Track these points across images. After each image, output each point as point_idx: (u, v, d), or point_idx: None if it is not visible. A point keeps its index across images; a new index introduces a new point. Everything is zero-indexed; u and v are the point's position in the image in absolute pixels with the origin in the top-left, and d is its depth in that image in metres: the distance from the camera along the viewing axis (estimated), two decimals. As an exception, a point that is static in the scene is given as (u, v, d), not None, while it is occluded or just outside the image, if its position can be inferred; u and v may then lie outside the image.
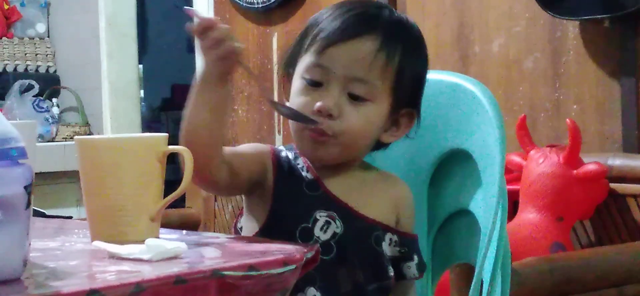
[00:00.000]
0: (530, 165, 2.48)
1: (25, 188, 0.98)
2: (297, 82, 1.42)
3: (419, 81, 1.46)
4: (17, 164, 0.98)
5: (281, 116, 3.43)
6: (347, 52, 1.39)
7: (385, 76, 1.40)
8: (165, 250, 1.09)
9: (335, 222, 1.40)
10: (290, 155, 1.44)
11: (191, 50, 4.33)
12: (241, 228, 1.45)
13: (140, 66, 5.13)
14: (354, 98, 1.39)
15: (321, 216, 1.39)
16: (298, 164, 1.43)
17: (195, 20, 1.29)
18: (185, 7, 1.31)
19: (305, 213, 1.39)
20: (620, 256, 2.24)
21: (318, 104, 1.38)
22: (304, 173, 1.43)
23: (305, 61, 1.42)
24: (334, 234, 1.39)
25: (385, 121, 1.44)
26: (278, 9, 3.69)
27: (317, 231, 1.39)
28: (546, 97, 2.80)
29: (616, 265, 2.19)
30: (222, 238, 1.32)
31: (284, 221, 1.39)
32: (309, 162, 1.43)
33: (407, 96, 1.44)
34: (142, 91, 5.49)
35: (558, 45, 2.77)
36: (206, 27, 1.28)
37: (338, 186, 1.43)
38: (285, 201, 1.40)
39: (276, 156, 1.44)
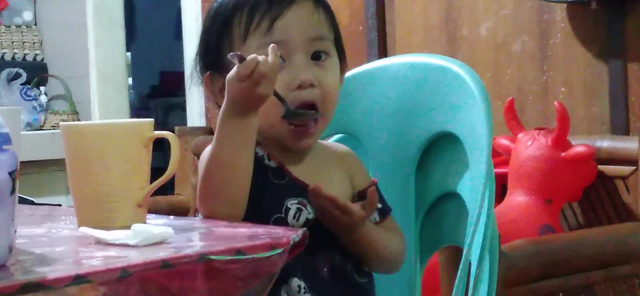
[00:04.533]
0: (519, 148, 2.49)
1: (10, 173, 0.97)
2: None
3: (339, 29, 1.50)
4: (2, 150, 0.97)
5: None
6: (295, 18, 1.40)
7: (330, 28, 1.44)
8: (152, 235, 1.09)
9: (306, 208, 1.38)
10: None
11: (179, 37, 4.32)
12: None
13: (128, 54, 5.11)
14: (317, 57, 1.41)
15: (292, 205, 1.38)
16: (257, 153, 1.39)
17: (238, 64, 1.27)
18: (229, 54, 1.29)
19: (277, 204, 1.38)
20: (609, 238, 2.25)
21: (299, 79, 1.39)
22: (266, 162, 1.41)
23: (252, 46, 1.40)
24: (307, 221, 1.38)
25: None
26: None
27: (290, 220, 1.37)
28: (534, 80, 2.80)
29: (604, 246, 2.20)
30: (209, 222, 1.32)
31: (256, 214, 1.34)
32: (267, 149, 1.42)
33: (341, 43, 1.48)
34: (130, 79, 5.48)
35: (546, 28, 2.77)
36: (252, 66, 1.26)
37: (302, 170, 1.43)
38: (254, 195, 1.35)
39: None
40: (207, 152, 1.36)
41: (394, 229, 1.49)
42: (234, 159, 1.30)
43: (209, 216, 1.33)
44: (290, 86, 1.39)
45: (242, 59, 1.26)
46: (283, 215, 1.38)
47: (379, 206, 1.46)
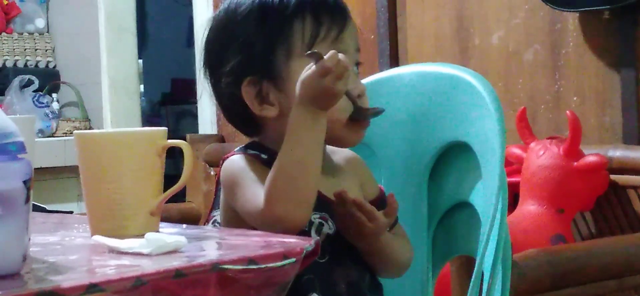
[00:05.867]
0: (531, 157, 2.48)
1: (25, 182, 0.98)
2: None
3: None
4: (16, 158, 0.98)
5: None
6: (352, 30, 1.44)
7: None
8: (165, 244, 1.09)
9: (327, 223, 1.38)
10: (265, 156, 1.39)
11: (190, 44, 4.33)
12: (215, 222, 1.42)
13: (140, 61, 5.13)
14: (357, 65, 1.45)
15: (315, 219, 1.37)
16: None
17: (315, 62, 1.28)
18: (307, 52, 1.31)
19: None
20: (621, 247, 2.24)
21: (359, 89, 1.42)
22: None
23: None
24: (327, 236, 1.37)
25: None
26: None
27: (313, 235, 1.36)
28: (546, 89, 2.79)
29: (617, 256, 2.19)
30: (222, 231, 1.32)
31: None
32: None
33: None
34: (142, 86, 5.49)
35: (558, 37, 2.76)
36: (335, 60, 1.27)
37: (321, 183, 1.38)
38: None
39: (260, 161, 1.39)
40: (236, 161, 1.36)
41: (403, 234, 1.50)
42: (307, 160, 1.29)
43: (279, 219, 1.28)
44: (352, 94, 1.40)
45: (319, 58, 1.28)
46: (307, 228, 1.35)
47: None
